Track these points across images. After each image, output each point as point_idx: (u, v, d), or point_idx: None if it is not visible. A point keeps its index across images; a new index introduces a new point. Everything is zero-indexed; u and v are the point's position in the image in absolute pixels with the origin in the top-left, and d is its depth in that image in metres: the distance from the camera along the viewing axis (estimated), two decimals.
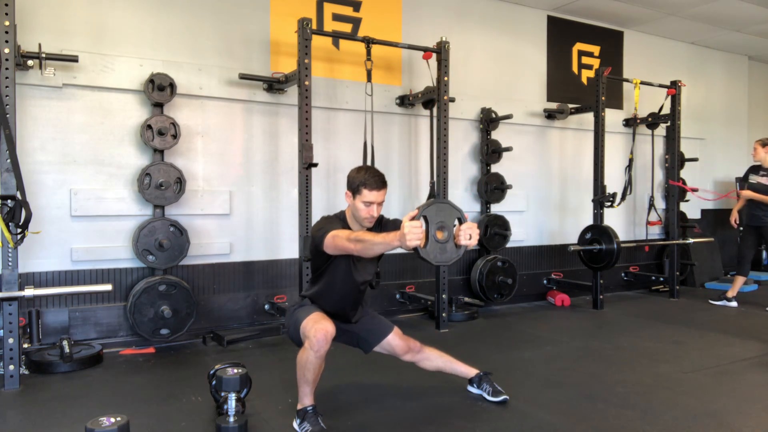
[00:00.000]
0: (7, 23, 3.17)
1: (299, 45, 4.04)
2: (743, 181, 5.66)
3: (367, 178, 2.55)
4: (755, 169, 5.61)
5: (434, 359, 3.03)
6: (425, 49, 4.58)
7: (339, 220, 2.66)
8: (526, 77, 5.97)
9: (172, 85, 4.06)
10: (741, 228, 7.35)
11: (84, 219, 3.99)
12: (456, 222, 2.18)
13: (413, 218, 2.10)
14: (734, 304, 5.59)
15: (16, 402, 3.05)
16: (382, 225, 2.74)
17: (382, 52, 4.90)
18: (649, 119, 6.41)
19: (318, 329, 2.49)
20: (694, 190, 6.70)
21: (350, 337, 2.91)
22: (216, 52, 4.43)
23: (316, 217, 4.55)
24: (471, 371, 3.08)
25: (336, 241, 2.40)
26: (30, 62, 3.65)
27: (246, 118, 4.55)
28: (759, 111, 8.30)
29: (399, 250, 5.24)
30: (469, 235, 2.16)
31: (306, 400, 2.62)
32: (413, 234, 2.07)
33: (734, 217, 5.85)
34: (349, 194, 2.63)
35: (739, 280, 5.65)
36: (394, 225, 2.68)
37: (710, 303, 5.72)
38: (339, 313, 2.78)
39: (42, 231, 3.70)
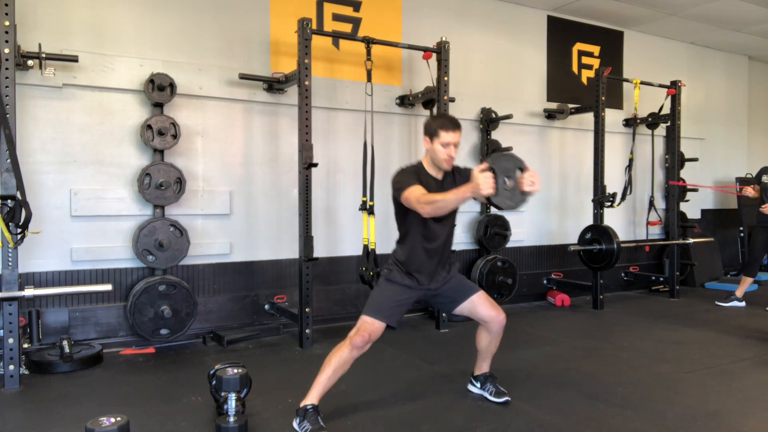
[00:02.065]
0: (7, 23, 3.17)
1: (299, 45, 4.04)
2: (757, 182, 5.58)
3: (444, 122, 2.73)
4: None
5: (493, 341, 3.01)
6: (425, 49, 4.58)
7: (414, 174, 2.76)
8: (526, 77, 5.97)
9: (172, 85, 4.06)
10: (741, 228, 7.37)
11: (84, 219, 3.99)
12: (518, 171, 2.41)
13: (483, 170, 2.32)
14: (743, 303, 5.57)
15: (16, 402, 3.05)
16: (456, 171, 2.87)
17: (382, 52, 4.90)
18: (649, 119, 6.41)
19: (362, 332, 2.65)
20: (693, 189, 6.70)
21: (438, 301, 2.99)
22: (216, 52, 4.43)
23: (316, 217, 4.57)
24: (485, 368, 3.09)
25: (408, 201, 2.62)
26: (30, 62, 3.65)
27: (246, 118, 4.55)
28: (759, 111, 8.30)
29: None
30: (531, 182, 2.40)
31: (311, 397, 2.63)
32: (486, 184, 2.30)
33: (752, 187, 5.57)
34: (427, 139, 2.78)
35: (747, 281, 5.62)
36: (468, 173, 2.79)
37: (716, 305, 5.64)
38: (428, 269, 2.83)
39: (42, 231, 3.70)
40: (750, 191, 5.51)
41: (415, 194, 2.57)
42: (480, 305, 2.91)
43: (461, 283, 2.99)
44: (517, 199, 2.42)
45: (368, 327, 2.68)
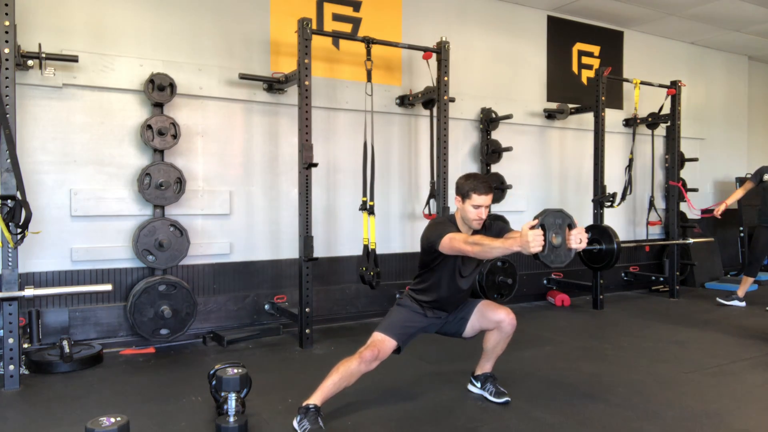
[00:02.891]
0: (7, 23, 3.17)
1: (299, 45, 4.04)
2: (757, 182, 5.53)
3: (476, 184, 2.76)
4: None
5: (502, 343, 3.04)
6: (425, 49, 4.57)
7: (451, 223, 2.86)
8: (526, 77, 5.97)
9: (172, 85, 4.06)
10: (741, 228, 7.37)
11: (84, 219, 3.99)
12: (567, 227, 2.41)
13: (533, 227, 2.33)
14: (743, 304, 5.57)
15: (16, 402, 3.05)
16: (486, 227, 2.93)
17: (382, 52, 4.90)
18: (649, 119, 6.41)
19: (372, 348, 2.70)
20: (693, 190, 6.67)
21: (445, 329, 3.06)
22: (216, 52, 4.42)
23: (316, 217, 4.57)
24: (488, 368, 3.11)
25: (453, 243, 2.62)
26: (30, 62, 3.65)
27: (246, 118, 4.55)
28: (759, 111, 8.30)
29: (399, 250, 5.25)
30: (579, 240, 2.41)
31: (314, 398, 2.64)
32: (536, 242, 2.32)
33: (722, 209, 5.56)
34: (458, 199, 2.84)
35: (748, 281, 5.61)
36: (498, 228, 2.92)
37: (719, 303, 5.61)
38: (442, 311, 2.98)
39: (42, 231, 3.70)
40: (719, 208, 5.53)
41: (460, 236, 2.64)
42: (489, 310, 2.97)
43: (461, 306, 3.05)
44: (563, 257, 2.40)
45: (378, 343, 2.74)
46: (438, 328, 3.04)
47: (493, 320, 2.94)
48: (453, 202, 5.01)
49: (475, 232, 2.87)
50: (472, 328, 3.00)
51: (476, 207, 2.77)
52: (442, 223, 2.87)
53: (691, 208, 6.49)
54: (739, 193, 5.66)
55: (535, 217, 2.38)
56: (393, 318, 2.89)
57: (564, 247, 2.39)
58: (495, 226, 2.95)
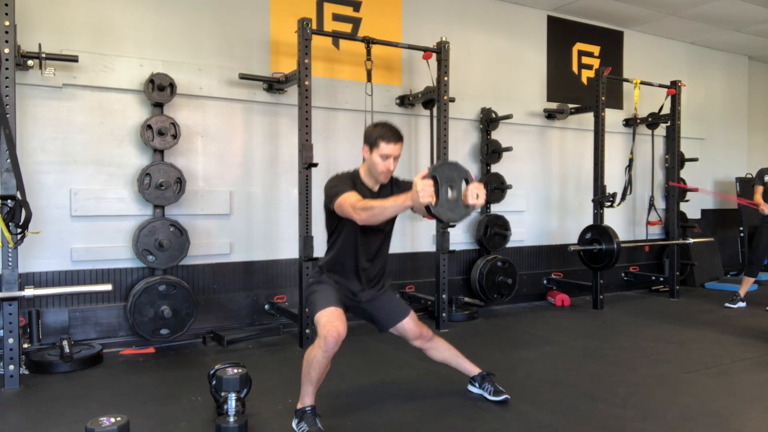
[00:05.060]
0: (7, 23, 3.17)
1: (299, 45, 4.05)
2: (760, 182, 5.48)
3: (384, 132, 2.59)
4: None
5: (442, 350, 3.02)
6: (425, 49, 4.58)
7: (350, 180, 2.64)
8: (526, 77, 5.97)
9: (172, 85, 4.06)
10: (741, 228, 7.36)
11: (84, 219, 3.99)
12: (464, 183, 2.26)
13: (424, 177, 2.18)
14: (744, 304, 5.55)
15: (16, 402, 3.05)
16: (394, 184, 2.75)
17: (382, 52, 4.90)
18: (649, 119, 6.41)
19: (330, 330, 2.46)
20: (694, 189, 6.68)
21: (366, 315, 2.86)
22: (216, 52, 4.43)
23: (316, 217, 4.55)
24: (474, 369, 3.07)
25: (343, 207, 2.45)
26: (30, 62, 3.65)
27: (246, 118, 4.55)
28: (759, 111, 8.29)
29: (399, 250, 5.24)
30: (476, 195, 2.23)
31: (306, 399, 2.61)
32: (425, 191, 2.14)
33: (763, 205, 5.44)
34: (366, 148, 2.65)
35: (749, 281, 5.61)
36: (407, 186, 2.67)
37: (726, 306, 5.53)
38: (353, 283, 2.73)
39: (42, 231, 3.70)
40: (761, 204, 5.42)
41: (350, 200, 2.43)
42: (408, 331, 2.85)
43: (390, 305, 2.84)
44: (459, 212, 2.25)
45: (328, 326, 2.48)
46: (354, 307, 2.79)
47: (411, 343, 2.87)
48: None
49: (382, 187, 2.68)
50: (390, 330, 2.86)
51: (384, 157, 2.57)
52: (340, 178, 2.63)
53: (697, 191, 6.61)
54: (759, 199, 5.52)
55: (428, 168, 2.25)
56: (321, 294, 2.65)
57: (460, 202, 2.24)
58: (404, 184, 2.75)
